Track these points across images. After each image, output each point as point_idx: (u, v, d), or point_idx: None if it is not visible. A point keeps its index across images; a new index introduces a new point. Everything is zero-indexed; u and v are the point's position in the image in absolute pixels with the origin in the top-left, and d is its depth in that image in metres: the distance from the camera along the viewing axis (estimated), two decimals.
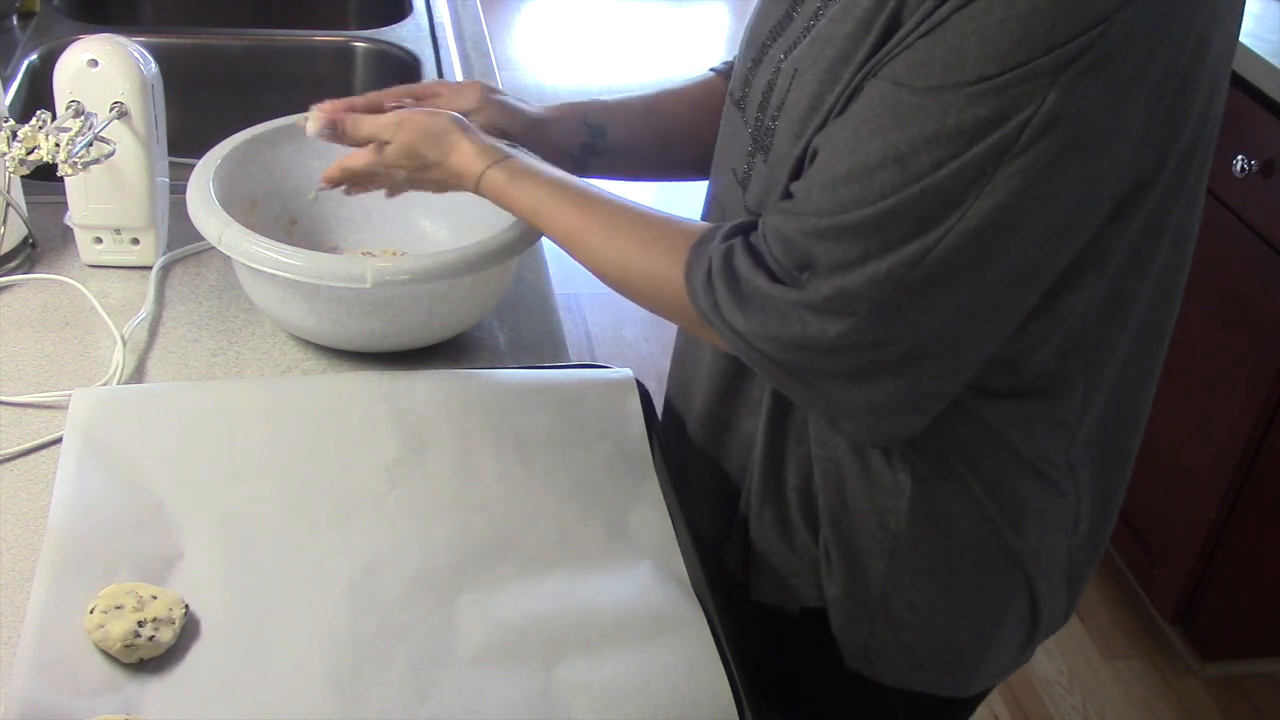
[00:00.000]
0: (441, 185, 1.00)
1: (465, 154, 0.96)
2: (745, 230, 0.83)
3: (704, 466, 1.04)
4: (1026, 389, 0.85)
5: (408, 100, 1.04)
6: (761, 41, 0.90)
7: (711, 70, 1.12)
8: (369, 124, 0.98)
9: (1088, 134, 0.70)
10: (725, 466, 1.02)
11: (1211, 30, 0.72)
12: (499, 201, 0.96)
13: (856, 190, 0.74)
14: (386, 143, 0.98)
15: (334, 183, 1.02)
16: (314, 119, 1.00)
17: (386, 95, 1.04)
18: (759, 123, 0.87)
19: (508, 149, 0.97)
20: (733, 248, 0.81)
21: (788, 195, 0.80)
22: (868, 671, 0.97)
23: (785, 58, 0.85)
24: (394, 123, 0.97)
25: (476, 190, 0.97)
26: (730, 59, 1.05)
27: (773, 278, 0.79)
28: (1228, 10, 0.74)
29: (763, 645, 0.87)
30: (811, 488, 0.93)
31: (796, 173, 0.80)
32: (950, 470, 0.88)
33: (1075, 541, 0.94)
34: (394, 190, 1.05)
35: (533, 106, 1.06)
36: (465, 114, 1.01)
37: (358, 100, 1.02)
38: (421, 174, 0.99)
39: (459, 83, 1.07)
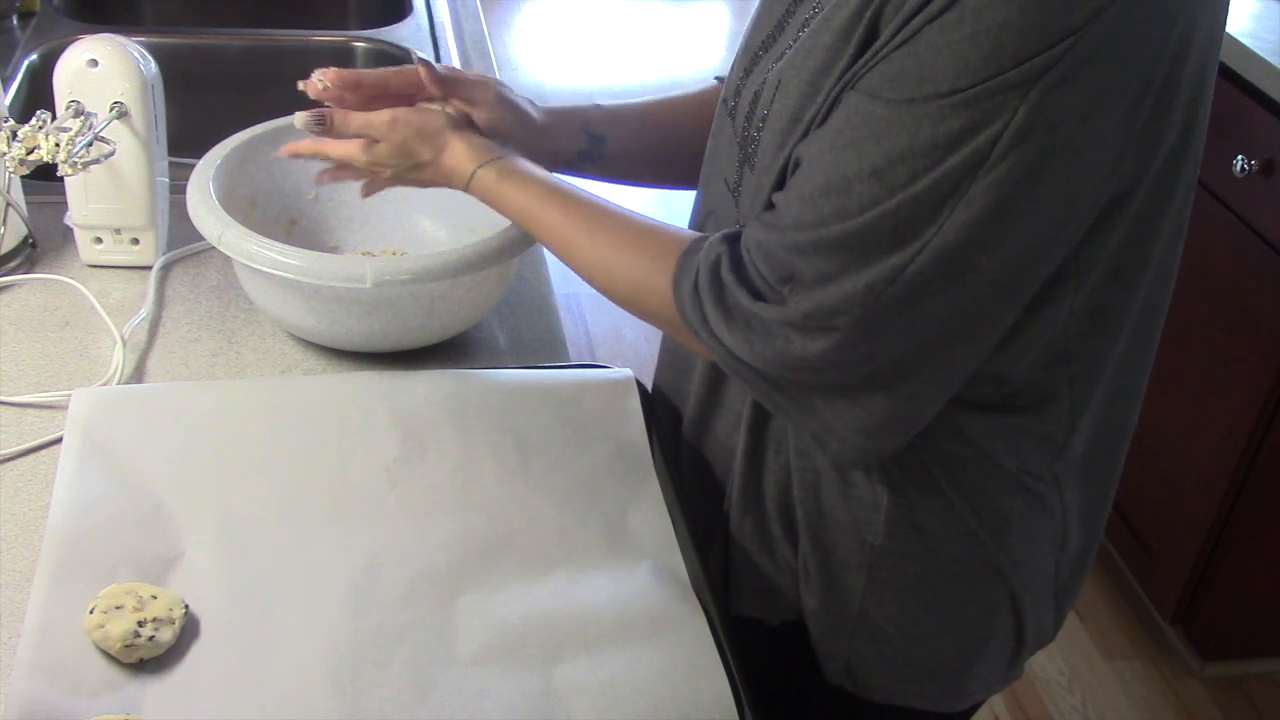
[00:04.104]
0: (428, 183, 0.99)
1: (457, 153, 0.95)
2: (731, 240, 0.82)
3: (688, 475, 1.03)
4: (1011, 403, 0.84)
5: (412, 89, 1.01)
6: (754, 51, 0.89)
7: (716, 79, 1.10)
8: (360, 119, 0.96)
9: (1063, 147, 0.69)
10: (707, 476, 1.01)
11: (1191, 41, 0.71)
12: (487, 201, 0.96)
13: (835, 204, 0.73)
14: (376, 140, 0.96)
15: (294, 155, 0.99)
16: (318, 79, 0.96)
17: (399, 76, 1.00)
18: (745, 133, 0.86)
19: (500, 149, 0.96)
20: (719, 259, 0.81)
21: (770, 206, 0.79)
22: (850, 686, 0.96)
23: (773, 68, 0.84)
24: (387, 121, 0.95)
25: (466, 189, 0.96)
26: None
27: (756, 294, 0.78)
28: (1208, 18, 0.73)
29: (742, 660, 0.86)
30: (790, 499, 0.92)
31: (779, 183, 0.80)
32: (930, 483, 0.87)
33: (1063, 557, 0.93)
34: (372, 189, 1.03)
35: (537, 109, 1.04)
36: (473, 108, 0.99)
37: (366, 75, 0.98)
38: (412, 172, 0.98)
39: (475, 75, 1.03)
